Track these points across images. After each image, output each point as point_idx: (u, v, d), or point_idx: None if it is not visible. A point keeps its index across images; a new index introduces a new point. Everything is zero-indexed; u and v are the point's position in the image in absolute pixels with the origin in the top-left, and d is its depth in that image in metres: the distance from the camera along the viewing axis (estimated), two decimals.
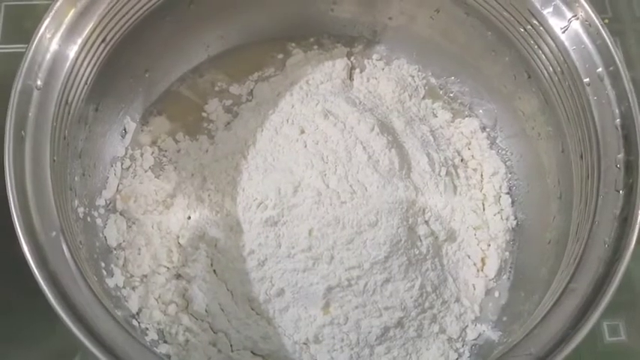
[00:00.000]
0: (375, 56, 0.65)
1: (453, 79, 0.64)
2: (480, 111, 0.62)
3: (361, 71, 0.64)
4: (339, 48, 0.65)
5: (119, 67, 0.53)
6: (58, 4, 0.46)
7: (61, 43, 0.46)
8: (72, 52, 0.46)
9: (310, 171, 0.55)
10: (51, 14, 0.45)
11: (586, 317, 0.40)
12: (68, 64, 0.46)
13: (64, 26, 0.46)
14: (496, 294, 0.56)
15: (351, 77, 0.64)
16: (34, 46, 0.45)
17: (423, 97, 0.64)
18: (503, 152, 0.61)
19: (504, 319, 0.55)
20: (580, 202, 0.47)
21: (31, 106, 0.44)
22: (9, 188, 0.41)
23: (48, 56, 0.45)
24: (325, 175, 0.55)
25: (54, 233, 0.42)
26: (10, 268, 0.45)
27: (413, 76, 0.64)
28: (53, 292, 0.40)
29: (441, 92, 0.64)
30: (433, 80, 0.64)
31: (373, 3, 0.62)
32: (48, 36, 0.45)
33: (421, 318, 0.54)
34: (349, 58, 0.65)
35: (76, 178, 0.51)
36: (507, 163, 0.60)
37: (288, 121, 0.59)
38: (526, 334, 0.41)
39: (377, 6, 0.62)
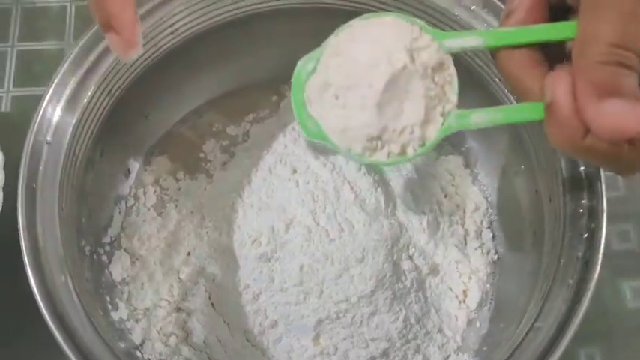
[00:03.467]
0: None
1: None
2: (463, 149, 0.66)
3: None
4: None
5: (122, 114, 0.57)
6: (59, 77, 0.50)
7: (64, 110, 0.50)
8: (77, 112, 0.50)
9: (301, 209, 0.58)
10: (52, 88, 0.50)
11: (549, 355, 0.44)
12: (74, 122, 0.50)
13: (66, 94, 0.50)
14: (477, 324, 0.60)
15: None
16: (39, 115, 0.49)
17: None
18: (485, 188, 0.64)
19: (485, 348, 0.58)
20: (548, 242, 0.51)
21: (41, 160, 0.48)
22: (22, 238, 0.45)
23: (54, 119, 0.49)
24: (315, 213, 0.58)
25: (63, 278, 0.46)
26: (18, 304, 0.49)
27: None
28: (61, 332, 0.44)
29: None
30: None
31: None
32: (51, 106, 0.50)
33: (405, 348, 0.57)
34: None
35: (82, 220, 0.55)
36: (488, 199, 0.64)
37: (281, 161, 0.62)
38: None
39: None
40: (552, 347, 0.44)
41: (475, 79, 0.56)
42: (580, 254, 0.47)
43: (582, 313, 0.44)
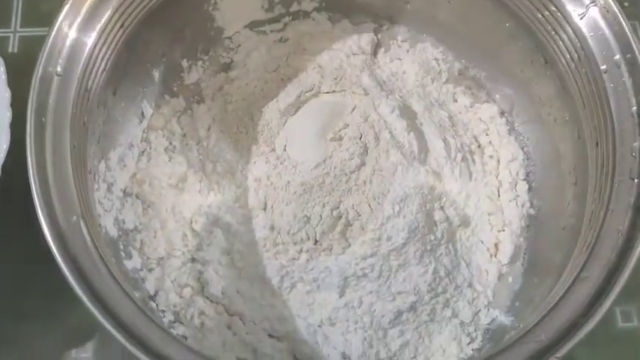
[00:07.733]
0: (399, 37, 0.64)
1: (472, 64, 0.63)
2: (497, 96, 0.62)
3: (386, 51, 0.64)
4: (367, 24, 0.64)
5: (136, 51, 0.54)
6: (69, 3, 0.46)
7: (79, 31, 0.46)
8: (90, 39, 0.47)
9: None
10: (69, 2, 0.46)
11: (597, 306, 0.40)
12: (87, 50, 0.47)
13: (82, 14, 0.46)
14: (509, 279, 0.56)
15: (375, 54, 0.64)
16: (53, 34, 0.45)
17: (445, 82, 0.63)
18: (521, 138, 0.60)
19: (517, 304, 0.55)
20: (595, 189, 0.47)
21: (51, 93, 0.45)
22: (31, 174, 0.42)
23: (67, 43, 0.46)
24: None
25: (74, 218, 0.43)
26: (31, 247, 0.45)
27: (437, 60, 0.63)
28: (74, 274, 0.41)
29: (461, 77, 0.63)
30: (456, 64, 0.63)
31: None
32: (67, 24, 0.46)
33: (434, 302, 0.54)
34: (376, 35, 0.64)
35: (95, 162, 0.52)
36: (525, 149, 0.60)
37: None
38: (537, 321, 0.42)
39: None
40: (600, 298, 0.41)
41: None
42: (632, 199, 0.43)
43: (635, 261, 0.41)
